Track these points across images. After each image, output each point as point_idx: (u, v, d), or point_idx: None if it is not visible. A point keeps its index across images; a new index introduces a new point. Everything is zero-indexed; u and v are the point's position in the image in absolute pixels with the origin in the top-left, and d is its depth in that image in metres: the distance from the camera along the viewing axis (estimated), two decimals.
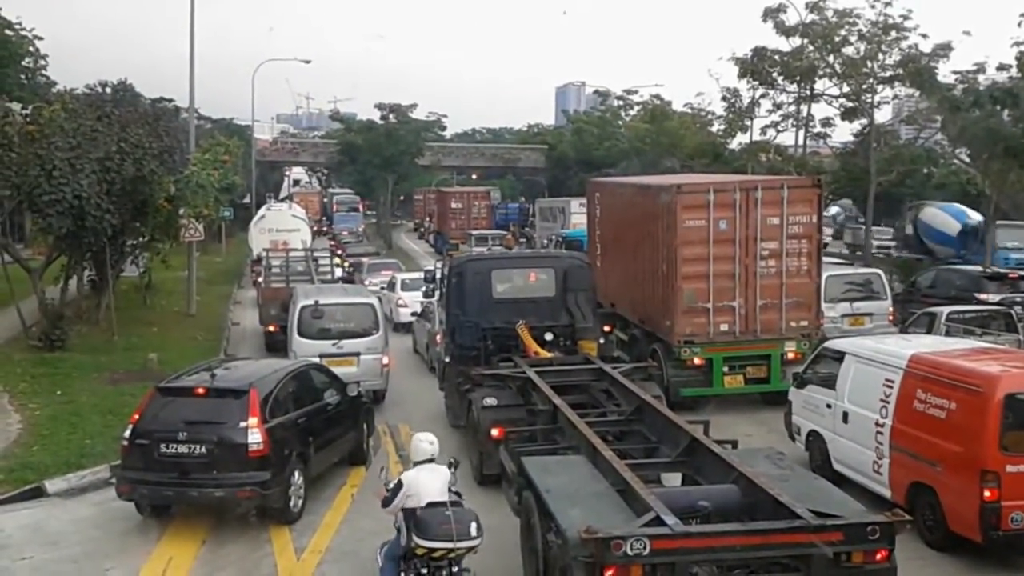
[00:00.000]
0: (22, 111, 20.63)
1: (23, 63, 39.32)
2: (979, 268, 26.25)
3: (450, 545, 8.29)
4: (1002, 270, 26.12)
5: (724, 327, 16.63)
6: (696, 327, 16.57)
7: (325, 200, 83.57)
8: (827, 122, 39.52)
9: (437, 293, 18.24)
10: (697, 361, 16.61)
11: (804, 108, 39.14)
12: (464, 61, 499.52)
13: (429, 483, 8.70)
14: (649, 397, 11.85)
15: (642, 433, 11.28)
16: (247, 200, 55.56)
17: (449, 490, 8.80)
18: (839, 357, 12.75)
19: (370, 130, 63.55)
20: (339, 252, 39.80)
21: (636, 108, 63.78)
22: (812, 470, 11.72)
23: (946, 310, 19.17)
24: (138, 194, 21.97)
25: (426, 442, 9.01)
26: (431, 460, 8.92)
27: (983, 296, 22.32)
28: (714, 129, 46.95)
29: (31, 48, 39.53)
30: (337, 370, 14.83)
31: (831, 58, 35.97)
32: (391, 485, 8.88)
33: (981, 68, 33.13)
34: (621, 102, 67.27)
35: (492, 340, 15.08)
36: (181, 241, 27.10)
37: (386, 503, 8.84)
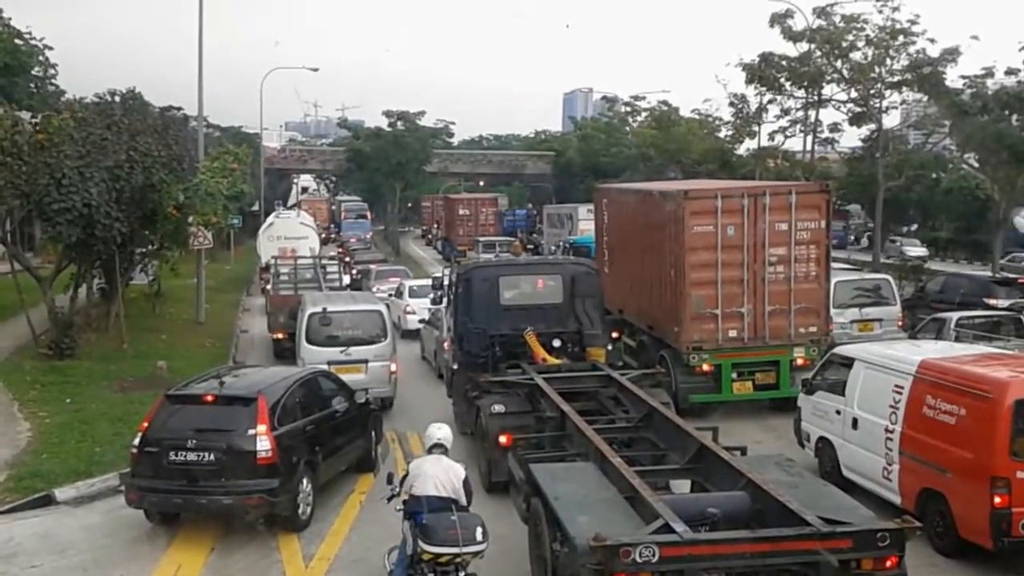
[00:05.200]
0: (32, 120, 20.71)
1: (33, 72, 39.60)
2: (988, 274, 26.16)
3: (456, 550, 8.32)
4: (1012, 275, 26.04)
5: (733, 333, 16.59)
6: (705, 333, 16.55)
7: (333, 207, 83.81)
8: (835, 127, 39.51)
9: (445, 300, 18.25)
10: (706, 367, 16.58)
11: (812, 113, 39.11)
12: (471, 68, 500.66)
13: (432, 473, 8.84)
14: (657, 404, 11.82)
15: (651, 440, 11.27)
16: (256, 208, 55.70)
17: (466, 495, 8.89)
18: (848, 363, 12.71)
19: (378, 137, 63.68)
20: (347, 259, 39.86)
21: (643, 114, 63.70)
22: (821, 476, 11.68)
23: (955, 316, 19.12)
24: (147, 202, 22.04)
25: (434, 427, 9.31)
26: (440, 445, 9.12)
27: (992, 301, 22.23)
28: (722, 135, 46.93)
29: (41, 57, 39.85)
30: (345, 377, 14.86)
31: (839, 63, 35.93)
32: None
33: (989, 73, 33.07)
34: (628, 108, 67.18)
35: (500, 347, 15.08)
36: (190, 249, 27.16)
37: (392, 494, 9.11)
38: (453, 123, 70.46)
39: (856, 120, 37.28)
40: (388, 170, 62.31)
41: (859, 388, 12.27)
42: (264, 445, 11.07)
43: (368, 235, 65.03)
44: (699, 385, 16.64)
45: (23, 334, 21.83)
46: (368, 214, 72.72)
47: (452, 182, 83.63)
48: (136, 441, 11.41)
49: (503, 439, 12.24)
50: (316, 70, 61.03)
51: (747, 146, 45.66)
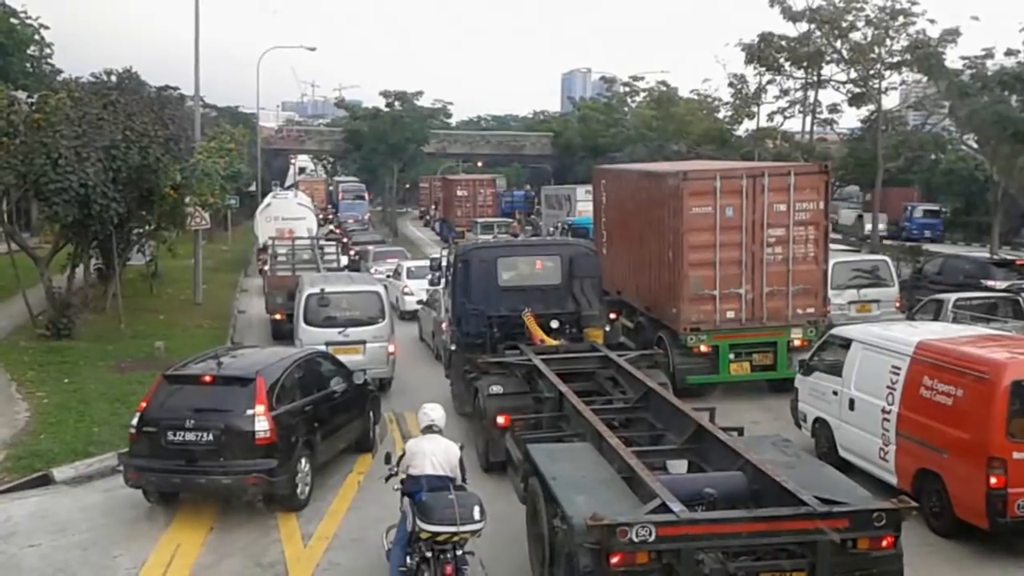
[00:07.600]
0: (28, 99, 20.63)
1: (29, 51, 39.45)
2: (986, 255, 26.16)
3: (453, 529, 8.35)
4: (1009, 257, 26.05)
5: (730, 314, 16.59)
6: (702, 314, 16.55)
7: (331, 188, 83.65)
8: (834, 108, 39.52)
9: (443, 281, 18.23)
10: (703, 348, 16.59)
11: (811, 94, 39.07)
12: (470, 47, 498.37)
13: (430, 452, 8.89)
14: (655, 384, 11.81)
15: (648, 420, 11.28)
16: (253, 188, 55.55)
17: (461, 472, 8.93)
18: (846, 344, 12.72)
19: (375, 117, 63.48)
20: (344, 240, 39.81)
21: (642, 94, 63.61)
22: (818, 457, 11.69)
23: (953, 297, 19.11)
24: (144, 182, 21.97)
25: (427, 408, 9.32)
26: (433, 427, 9.15)
27: (990, 283, 22.24)
28: (721, 115, 46.87)
29: (37, 37, 39.68)
30: (343, 358, 14.85)
31: (838, 43, 35.85)
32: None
33: (989, 53, 33.06)
34: (627, 88, 67.04)
35: (498, 328, 15.08)
36: (187, 229, 27.12)
37: (390, 473, 9.19)
38: (451, 103, 70.32)
39: (855, 101, 37.25)
40: (386, 150, 62.15)
41: (856, 369, 12.28)
42: (262, 425, 11.08)
43: (366, 216, 64.92)
44: (697, 366, 16.66)
45: (21, 314, 21.82)
46: (366, 195, 72.60)
47: (450, 163, 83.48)
48: (134, 421, 11.41)
49: (501, 420, 12.28)
50: (313, 49, 61.24)
51: (746, 127, 45.67)
